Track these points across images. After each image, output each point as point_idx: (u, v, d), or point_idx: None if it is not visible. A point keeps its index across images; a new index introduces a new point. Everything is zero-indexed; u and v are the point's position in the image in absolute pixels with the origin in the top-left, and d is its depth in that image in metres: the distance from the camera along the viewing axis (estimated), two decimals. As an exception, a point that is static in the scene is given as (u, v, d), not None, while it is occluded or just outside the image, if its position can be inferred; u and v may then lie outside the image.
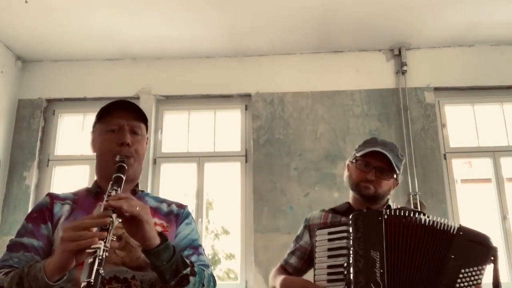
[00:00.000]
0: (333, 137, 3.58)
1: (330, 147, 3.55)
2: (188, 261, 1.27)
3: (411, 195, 3.35)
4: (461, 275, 1.36)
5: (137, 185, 1.47)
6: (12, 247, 1.29)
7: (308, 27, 3.47)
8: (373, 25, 3.45)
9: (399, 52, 3.72)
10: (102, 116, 1.43)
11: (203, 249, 1.46)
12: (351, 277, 1.38)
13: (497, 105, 3.71)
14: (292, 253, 1.80)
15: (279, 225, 3.39)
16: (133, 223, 1.16)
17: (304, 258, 1.75)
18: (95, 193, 1.40)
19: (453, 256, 1.39)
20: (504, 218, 3.35)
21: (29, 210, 3.49)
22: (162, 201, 1.49)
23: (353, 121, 3.61)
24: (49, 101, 3.88)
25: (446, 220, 1.48)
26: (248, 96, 3.78)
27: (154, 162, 3.68)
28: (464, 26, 3.47)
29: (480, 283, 1.37)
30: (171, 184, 3.82)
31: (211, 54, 3.82)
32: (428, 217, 1.52)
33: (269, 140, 3.61)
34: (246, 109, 3.80)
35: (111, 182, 1.26)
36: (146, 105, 3.72)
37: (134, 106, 1.44)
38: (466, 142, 3.67)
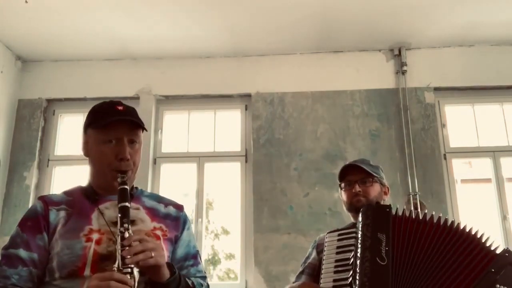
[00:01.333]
0: (333, 137, 3.58)
1: (330, 147, 3.55)
2: (190, 282, 1.34)
3: (411, 195, 3.35)
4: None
5: (132, 187, 1.45)
6: (9, 260, 1.26)
7: (308, 27, 3.47)
8: (373, 25, 3.45)
9: (399, 52, 3.72)
10: (97, 124, 1.38)
11: (200, 255, 1.49)
12: (358, 253, 1.44)
13: (497, 105, 3.71)
14: (301, 273, 1.83)
15: (279, 225, 3.39)
16: (148, 266, 1.20)
17: (313, 275, 1.77)
18: (92, 199, 1.37)
19: (493, 270, 1.40)
20: (504, 218, 3.35)
21: (29, 210, 3.51)
22: (159, 200, 1.48)
23: (353, 121, 3.61)
24: (49, 101, 3.88)
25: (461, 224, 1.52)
26: (248, 96, 3.78)
27: (154, 162, 3.68)
28: (464, 26, 3.47)
29: None
30: (171, 184, 3.82)
31: (211, 54, 3.83)
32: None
33: (269, 140, 3.61)
34: (246, 109, 3.80)
35: (119, 215, 1.24)
36: (146, 105, 3.72)
37: (131, 114, 1.40)
38: (466, 142, 3.67)
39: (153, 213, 1.42)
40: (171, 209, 1.47)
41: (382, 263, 1.39)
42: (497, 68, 3.64)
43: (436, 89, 3.66)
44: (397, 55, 3.73)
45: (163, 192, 3.60)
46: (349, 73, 3.75)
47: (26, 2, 3.12)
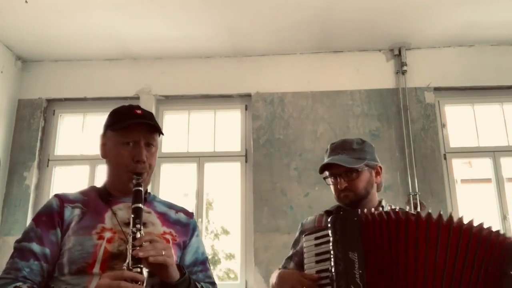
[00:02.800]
0: (333, 137, 3.58)
1: (330, 147, 3.54)
2: (199, 286, 1.37)
3: (411, 195, 3.35)
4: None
5: (146, 191, 1.48)
6: (22, 253, 1.29)
7: (308, 27, 3.46)
8: (373, 25, 3.45)
9: (399, 52, 3.71)
10: (116, 126, 1.42)
11: (209, 261, 1.52)
12: (333, 280, 1.37)
13: (497, 105, 3.71)
14: (289, 258, 1.80)
15: (279, 225, 3.39)
16: (157, 266, 1.22)
17: (301, 264, 1.73)
18: (106, 200, 1.40)
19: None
20: (504, 218, 3.35)
21: (29, 210, 3.51)
22: (170, 206, 1.53)
23: (353, 121, 3.61)
24: (49, 101, 3.87)
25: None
26: (248, 96, 3.78)
27: (154, 162, 3.67)
28: (464, 26, 3.47)
29: None
30: (171, 184, 3.82)
31: (211, 54, 3.82)
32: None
33: (269, 140, 3.61)
34: (246, 109, 3.80)
35: (132, 216, 1.27)
36: (146, 105, 3.71)
37: (149, 118, 1.44)
38: (466, 142, 3.66)
39: (164, 218, 1.46)
40: (181, 216, 1.51)
41: None
42: (497, 68, 3.64)
43: (436, 89, 3.66)
44: (397, 55, 3.72)
45: (163, 192, 3.60)
46: (349, 73, 3.75)
47: (26, 2, 3.12)
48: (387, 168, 3.46)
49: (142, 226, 1.26)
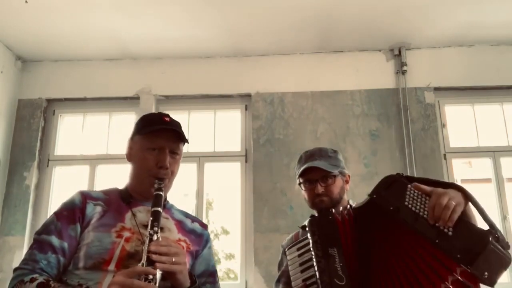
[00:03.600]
0: (333, 137, 3.58)
1: (330, 147, 3.51)
2: None
3: (411, 195, 3.35)
4: (410, 206, 1.34)
5: (165, 198, 1.51)
6: (40, 245, 1.31)
7: (308, 27, 3.47)
8: (373, 25, 3.45)
9: (399, 52, 3.72)
10: (144, 131, 1.45)
11: (217, 275, 1.55)
12: (317, 279, 1.40)
13: (497, 105, 3.71)
14: (278, 281, 1.83)
15: (279, 225, 3.39)
16: (168, 271, 1.25)
17: (289, 282, 1.73)
18: (127, 201, 1.44)
19: (391, 208, 1.38)
20: (504, 218, 3.36)
21: (29, 210, 3.52)
22: (186, 215, 1.57)
23: (353, 121, 3.62)
24: (49, 101, 3.87)
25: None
26: (248, 96, 3.78)
27: (154, 162, 3.67)
28: (464, 26, 3.47)
29: (416, 188, 1.36)
30: (171, 184, 3.81)
31: (211, 54, 3.83)
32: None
33: (269, 140, 3.61)
34: (246, 109, 3.80)
35: (151, 219, 1.30)
36: (146, 105, 3.72)
37: (176, 126, 1.49)
38: (466, 142, 3.66)
39: (180, 226, 1.50)
40: (197, 226, 1.55)
41: (341, 283, 1.35)
42: (497, 68, 3.64)
43: (436, 89, 3.66)
44: (397, 55, 3.73)
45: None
46: (349, 73, 3.75)
47: (26, 2, 3.12)
48: (387, 168, 3.46)
49: (159, 229, 1.29)
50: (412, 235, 1.31)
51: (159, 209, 1.33)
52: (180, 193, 4.19)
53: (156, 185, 1.39)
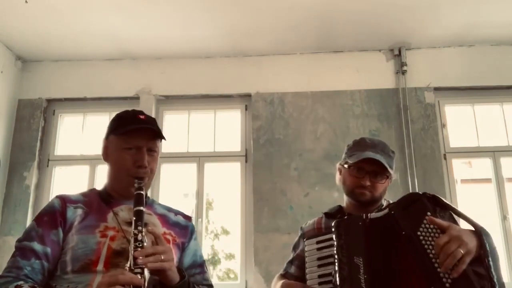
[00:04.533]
0: (333, 137, 3.58)
1: (330, 147, 3.55)
2: None
3: (411, 195, 3.35)
4: (421, 237, 1.30)
5: (146, 195, 1.50)
6: (23, 252, 1.30)
7: (308, 27, 3.47)
8: (373, 25, 3.45)
9: (399, 52, 3.71)
10: (119, 130, 1.43)
11: (206, 264, 1.55)
12: (337, 285, 1.37)
13: (497, 105, 3.71)
14: (291, 262, 1.79)
15: (279, 225, 3.39)
16: (157, 269, 1.24)
17: (303, 267, 1.71)
18: (107, 202, 1.43)
19: (404, 233, 1.34)
20: (504, 218, 3.35)
21: (29, 210, 3.51)
22: (169, 209, 1.56)
23: (353, 121, 3.61)
24: (49, 101, 3.87)
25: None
26: (248, 96, 3.78)
27: (154, 162, 3.67)
28: (464, 26, 3.47)
29: (430, 221, 1.32)
30: (171, 184, 3.82)
31: (211, 54, 3.82)
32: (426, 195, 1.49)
33: (269, 140, 3.61)
34: (246, 109, 3.80)
35: (134, 218, 1.29)
36: (146, 105, 3.72)
37: (152, 124, 1.47)
38: (466, 142, 3.66)
39: (164, 220, 1.49)
40: (180, 218, 1.55)
41: None
42: (497, 68, 3.64)
43: (436, 89, 3.66)
44: (397, 55, 3.72)
45: (163, 192, 3.60)
46: (349, 73, 3.75)
47: (26, 2, 3.12)
48: (387, 168, 3.46)
49: (143, 228, 1.28)
50: (416, 266, 1.28)
51: (142, 208, 1.31)
52: (180, 193, 4.20)
53: (136, 185, 1.37)
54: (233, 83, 3.78)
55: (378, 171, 1.66)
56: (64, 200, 1.40)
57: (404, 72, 3.67)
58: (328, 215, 1.75)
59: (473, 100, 3.70)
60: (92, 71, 3.87)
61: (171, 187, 3.85)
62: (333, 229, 1.46)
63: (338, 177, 1.78)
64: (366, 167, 1.66)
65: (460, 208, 1.50)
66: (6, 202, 3.56)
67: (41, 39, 3.61)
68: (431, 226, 1.30)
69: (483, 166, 3.84)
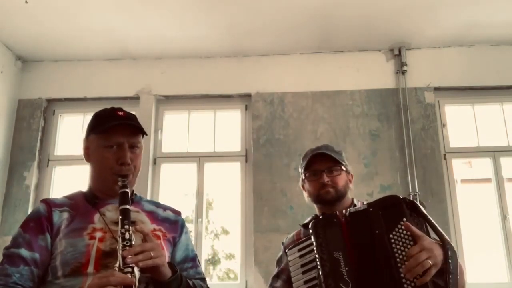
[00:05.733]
0: (333, 137, 3.58)
1: (330, 147, 3.54)
2: (191, 283, 1.38)
3: (411, 195, 3.35)
4: (392, 240, 1.37)
5: (132, 192, 1.48)
6: (11, 259, 1.28)
7: (308, 27, 3.47)
8: (373, 25, 3.45)
9: (399, 52, 3.71)
10: (99, 129, 1.42)
11: (198, 258, 1.54)
12: (322, 282, 1.40)
13: (497, 105, 3.71)
14: (276, 276, 1.81)
15: (279, 225, 3.39)
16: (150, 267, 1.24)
17: (289, 281, 1.72)
18: (93, 203, 1.41)
19: (377, 231, 1.41)
20: (504, 218, 3.35)
21: (29, 210, 3.51)
22: (157, 205, 1.54)
23: (353, 121, 3.61)
24: (49, 101, 3.87)
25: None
26: (248, 96, 3.78)
27: (154, 162, 3.68)
28: (464, 26, 3.47)
29: (406, 228, 1.37)
30: (171, 184, 3.82)
31: (211, 54, 3.83)
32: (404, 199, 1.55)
33: (269, 140, 3.61)
34: (246, 109, 3.80)
35: (120, 217, 1.28)
36: (146, 105, 3.72)
37: (132, 119, 1.44)
38: (466, 142, 3.66)
39: (153, 216, 1.47)
40: (169, 214, 1.53)
41: None
42: (497, 68, 3.64)
43: (436, 89, 3.66)
44: (397, 55, 3.73)
45: (163, 192, 3.60)
46: (349, 73, 3.75)
47: (26, 2, 3.12)
48: (387, 168, 3.46)
49: (130, 227, 1.26)
50: (383, 266, 1.35)
51: (127, 206, 1.30)
52: (180, 193, 4.19)
53: (120, 183, 1.35)
54: (233, 83, 3.78)
55: (330, 165, 1.76)
56: (49, 204, 1.38)
57: (404, 72, 3.67)
58: (306, 225, 1.78)
59: (473, 100, 3.70)
60: (92, 71, 3.87)
61: (171, 187, 3.85)
62: (310, 231, 1.51)
63: (305, 195, 1.86)
64: (318, 167, 1.76)
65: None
66: (6, 202, 3.57)
67: (41, 39, 3.61)
68: (405, 232, 1.37)
69: (483, 166, 3.84)
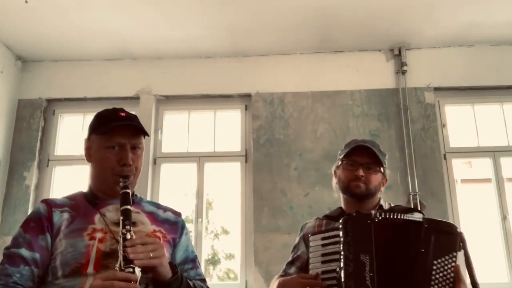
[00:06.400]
0: (333, 137, 3.58)
1: (330, 147, 3.54)
2: (191, 284, 1.37)
3: (411, 195, 3.35)
4: (434, 267, 1.35)
5: (133, 193, 1.48)
6: (11, 259, 1.28)
7: (308, 27, 3.47)
8: (373, 25, 3.45)
9: (399, 52, 3.71)
10: (101, 129, 1.42)
11: (198, 259, 1.54)
12: (342, 281, 1.37)
13: (497, 105, 3.71)
14: (291, 263, 1.78)
15: (279, 225, 3.39)
16: (148, 266, 1.24)
17: (303, 268, 1.72)
18: (93, 203, 1.41)
19: (423, 250, 1.38)
20: (504, 218, 3.35)
21: (29, 210, 3.51)
22: (157, 206, 1.55)
23: (353, 121, 3.61)
24: (49, 101, 3.87)
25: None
26: (248, 96, 3.78)
27: (154, 162, 3.68)
28: (464, 26, 3.47)
29: (455, 269, 1.37)
30: (171, 184, 3.82)
31: (211, 54, 3.82)
32: (422, 214, 1.55)
33: (269, 140, 3.61)
34: (246, 109, 3.80)
35: (121, 217, 1.28)
36: (146, 105, 3.72)
37: (133, 120, 1.45)
38: (466, 142, 3.66)
39: (153, 217, 1.48)
40: (170, 215, 1.53)
41: None
42: (497, 68, 3.64)
43: (436, 89, 3.66)
44: (397, 55, 3.72)
45: (163, 192, 3.60)
46: (349, 73, 3.75)
47: (26, 2, 3.12)
48: (387, 168, 3.46)
49: (131, 227, 1.27)
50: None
51: (129, 207, 1.30)
52: (180, 193, 4.19)
53: (121, 184, 1.35)
54: (233, 83, 3.78)
55: (371, 162, 1.70)
56: (49, 204, 1.38)
57: (404, 72, 3.67)
58: (329, 217, 1.76)
59: (473, 100, 3.70)
60: (92, 71, 3.87)
61: (171, 187, 3.85)
62: (340, 226, 1.46)
63: (334, 180, 1.82)
64: (358, 159, 1.70)
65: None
66: (6, 202, 3.57)
67: (41, 39, 3.61)
68: (450, 266, 1.36)
69: (483, 166, 3.84)
